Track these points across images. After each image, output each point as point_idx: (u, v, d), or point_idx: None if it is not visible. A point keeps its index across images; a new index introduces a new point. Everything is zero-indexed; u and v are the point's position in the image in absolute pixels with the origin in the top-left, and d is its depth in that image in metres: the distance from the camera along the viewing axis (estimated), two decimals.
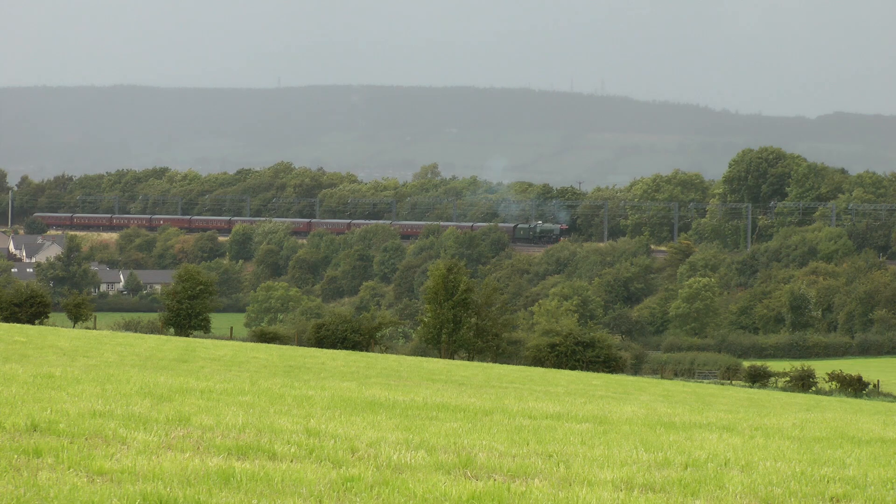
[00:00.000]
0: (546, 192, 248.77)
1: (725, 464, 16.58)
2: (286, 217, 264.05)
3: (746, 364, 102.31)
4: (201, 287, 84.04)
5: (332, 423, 18.51)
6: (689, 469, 15.82)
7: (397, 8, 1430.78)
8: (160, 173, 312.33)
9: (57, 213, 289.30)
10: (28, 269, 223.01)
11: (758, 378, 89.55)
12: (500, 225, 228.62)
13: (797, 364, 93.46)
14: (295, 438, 16.32)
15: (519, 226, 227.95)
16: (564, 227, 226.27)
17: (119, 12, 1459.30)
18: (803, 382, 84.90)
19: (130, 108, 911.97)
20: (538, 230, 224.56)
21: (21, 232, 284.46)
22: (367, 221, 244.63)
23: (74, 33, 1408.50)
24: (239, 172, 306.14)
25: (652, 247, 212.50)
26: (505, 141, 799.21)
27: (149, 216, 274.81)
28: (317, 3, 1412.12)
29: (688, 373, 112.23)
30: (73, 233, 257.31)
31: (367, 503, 12.66)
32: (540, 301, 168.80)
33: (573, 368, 74.52)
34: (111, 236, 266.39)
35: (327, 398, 23.60)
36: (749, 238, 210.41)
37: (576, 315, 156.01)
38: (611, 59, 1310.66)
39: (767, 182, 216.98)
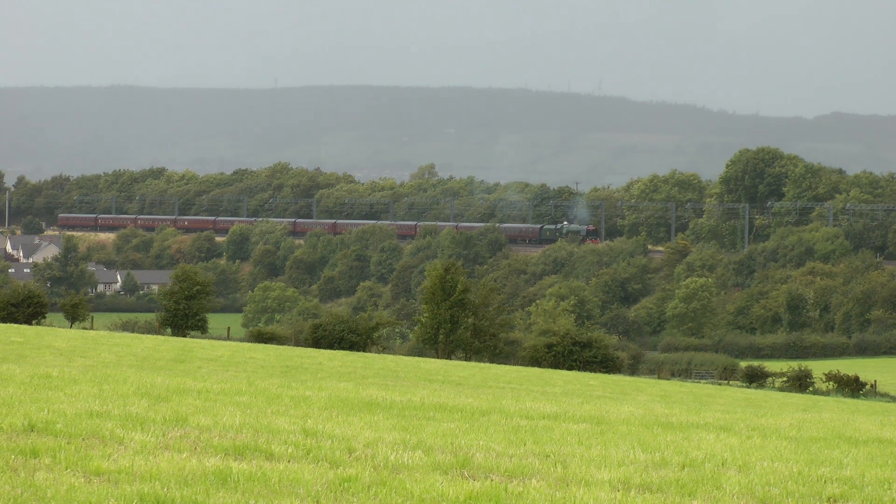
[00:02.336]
0: (543, 193, 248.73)
1: (723, 464, 16.59)
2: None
3: (743, 364, 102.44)
4: (198, 287, 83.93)
5: (329, 423, 18.51)
6: (686, 469, 15.82)
7: (395, 9, 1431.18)
8: (157, 173, 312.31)
9: (82, 213, 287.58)
10: (25, 270, 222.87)
11: (755, 378, 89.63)
12: (528, 226, 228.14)
13: (794, 364, 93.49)
14: (292, 439, 16.32)
15: (545, 227, 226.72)
16: (591, 227, 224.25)
17: (116, 13, 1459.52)
18: (800, 382, 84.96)
19: (128, 108, 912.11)
20: (565, 231, 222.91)
21: (18, 232, 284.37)
22: (397, 223, 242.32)
23: (71, 34, 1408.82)
24: (236, 173, 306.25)
25: (649, 247, 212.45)
26: (502, 141, 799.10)
27: (174, 217, 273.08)
28: (314, 4, 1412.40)
29: (685, 373, 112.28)
30: (70, 233, 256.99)
31: (365, 503, 12.66)
32: (537, 301, 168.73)
33: (570, 369, 74.48)
34: (108, 236, 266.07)
35: (324, 398, 23.59)
36: (746, 238, 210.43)
37: (573, 315, 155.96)
38: (608, 60, 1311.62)
39: (765, 182, 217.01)
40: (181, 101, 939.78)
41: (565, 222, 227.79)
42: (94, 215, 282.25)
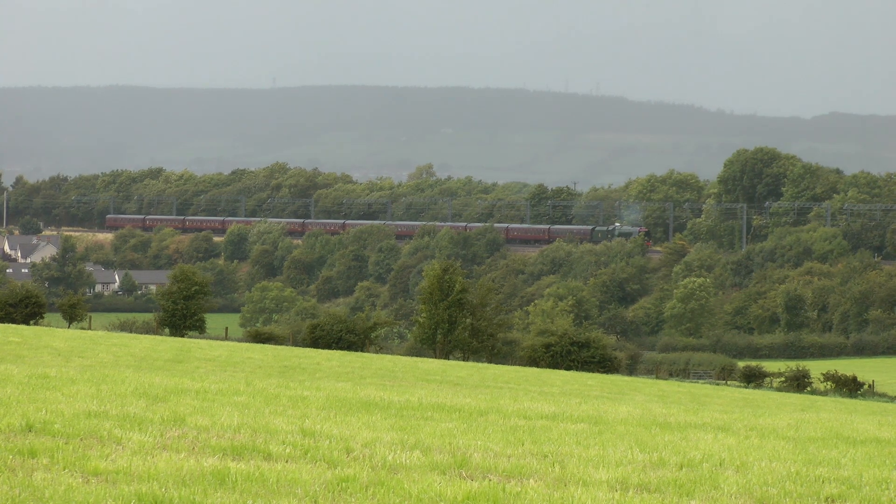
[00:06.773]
0: (541, 193, 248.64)
1: (720, 464, 16.59)
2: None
3: (741, 364, 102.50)
4: (196, 287, 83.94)
5: (327, 423, 18.52)
6: (684, 469, 15.83)
7: (393, 9, 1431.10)
8: (155, 174, 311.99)
9: (129, 214, 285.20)
10: (23, 270, 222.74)
11: (753, 378, 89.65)
12: (579, 227, 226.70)
13: (792, 364, 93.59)
14: (290, 439, 16.32)
15: (597, 228, 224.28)
16: (644, 229, 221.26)
17: (115, 13, 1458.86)
18: (798, 383, 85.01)
19: (126, 108, 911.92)
20: (617, 233, 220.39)
21: (16, 232, 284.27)
22: (435, 223, 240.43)
23: (70, 34, 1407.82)
24: (234, 173, 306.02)
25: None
26: (500, 141, 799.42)
27: (221, 219, 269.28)
28: (313, 5, 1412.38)
29: (683, 373, 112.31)
30: (68, 233, 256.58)
31: (363, 503, 12.66)
32: (535, 301, 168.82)
33: (568, 369, 74.50)
34: (106, 236, 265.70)
35: (322, 398, 23.59)
36: (744, 238, 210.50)
37: (571, 315, 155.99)
38: (606, 60, 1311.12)
39: (762, 182, 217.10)
40: (180, 101, 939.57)
41: (617, 224, 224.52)
42: (142, 216, 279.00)
